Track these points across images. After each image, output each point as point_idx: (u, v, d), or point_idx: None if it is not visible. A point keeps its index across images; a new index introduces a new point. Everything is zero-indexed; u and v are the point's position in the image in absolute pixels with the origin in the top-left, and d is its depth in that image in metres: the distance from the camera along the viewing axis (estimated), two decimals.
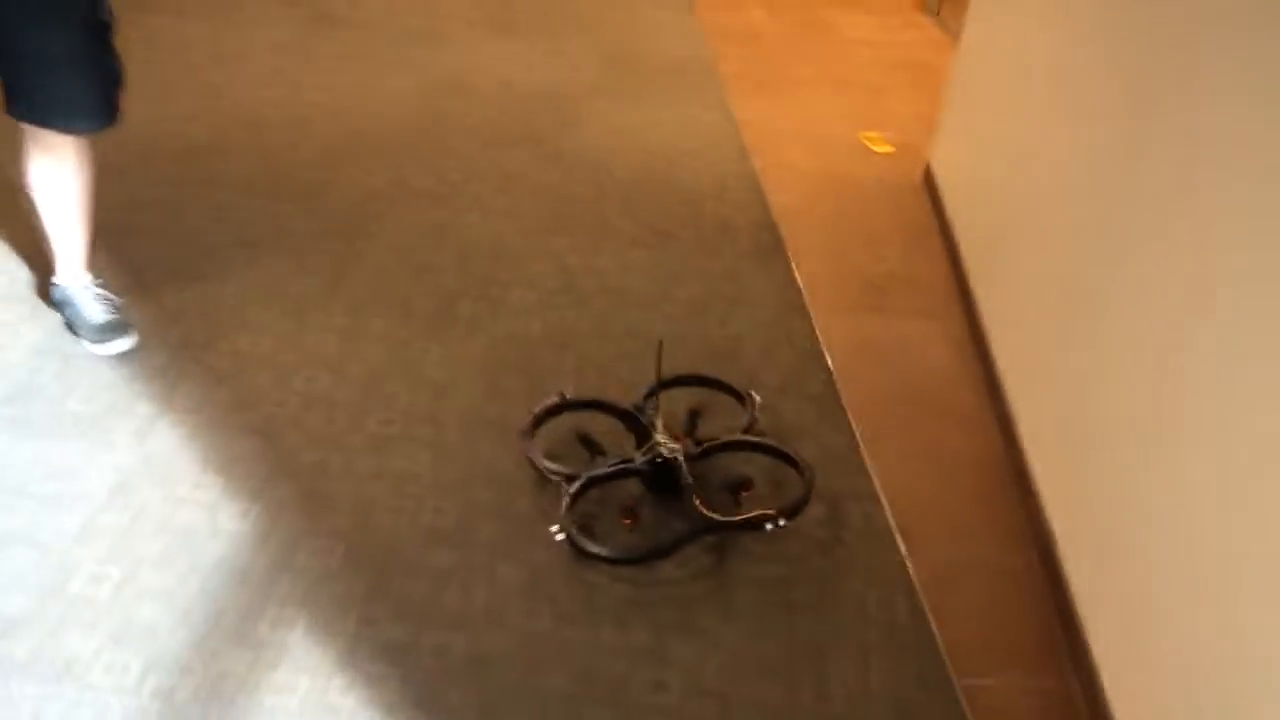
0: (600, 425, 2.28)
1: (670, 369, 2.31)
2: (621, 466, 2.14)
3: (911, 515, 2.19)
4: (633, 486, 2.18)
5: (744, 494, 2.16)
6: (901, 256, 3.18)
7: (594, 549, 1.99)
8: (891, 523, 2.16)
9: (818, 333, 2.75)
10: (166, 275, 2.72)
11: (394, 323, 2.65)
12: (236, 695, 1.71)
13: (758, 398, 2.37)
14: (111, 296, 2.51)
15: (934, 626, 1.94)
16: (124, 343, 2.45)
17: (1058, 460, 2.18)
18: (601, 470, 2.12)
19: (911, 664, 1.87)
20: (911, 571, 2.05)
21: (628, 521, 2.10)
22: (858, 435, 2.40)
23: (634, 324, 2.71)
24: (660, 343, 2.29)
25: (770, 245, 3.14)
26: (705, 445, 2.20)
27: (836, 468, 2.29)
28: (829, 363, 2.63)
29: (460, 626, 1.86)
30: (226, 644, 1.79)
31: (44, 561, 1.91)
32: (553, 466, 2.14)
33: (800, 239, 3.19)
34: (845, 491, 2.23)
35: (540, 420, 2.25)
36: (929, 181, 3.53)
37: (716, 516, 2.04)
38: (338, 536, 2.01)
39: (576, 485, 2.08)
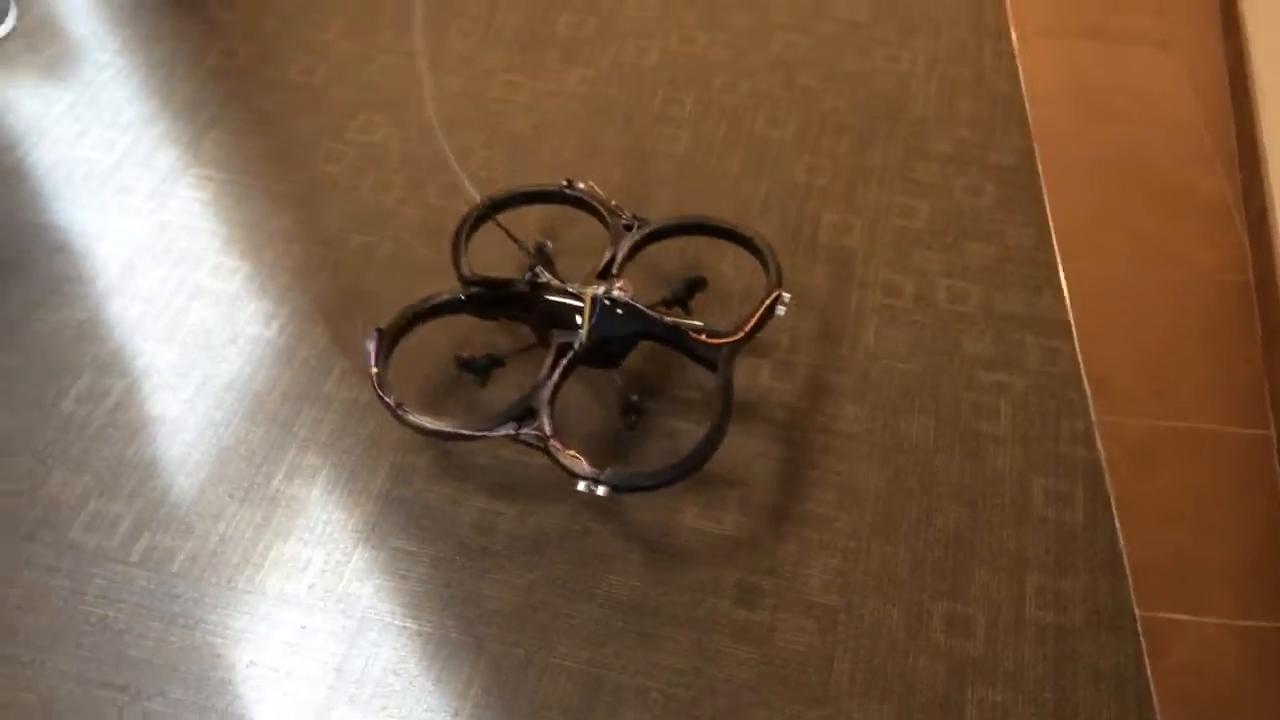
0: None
1: (814, 114, 1.68)
2: (566, 361, 1.49)
3: (1109, 360, 1.67)
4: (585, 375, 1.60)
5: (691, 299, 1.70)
6: None
7: (640, 480, 1.46)
8: (1082, 369, 1.65)
9: (1020, 72, 2.09)
10: None
11: (476, 43, 2.12)
12: (237, 573, 1.43)
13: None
14: None
15: (1120, 535, 1.48)
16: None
17: None
18: (551, 382, 1.48)
19: (1094, 582, 1.44)
20: (1100, 446, 1.57)
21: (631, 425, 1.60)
22: (1053, 233, 1.83)
23: (777, 54, 2.10)
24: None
25: None
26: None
27: (1016, 277, 1.76)
28: (1028, 118, 2.00)
29: (514, 495, 1.51)
30: (232, 497, 1.50)
31: (28, 368, 1.63)
32: (476, 429, 1.46)
33: None
34: (1022, 317, 1.71)
35: (389, 349, 1.53)
36: None
37: (730, 337, 1.51)
38: None
39: (545, 415, 1.44)
